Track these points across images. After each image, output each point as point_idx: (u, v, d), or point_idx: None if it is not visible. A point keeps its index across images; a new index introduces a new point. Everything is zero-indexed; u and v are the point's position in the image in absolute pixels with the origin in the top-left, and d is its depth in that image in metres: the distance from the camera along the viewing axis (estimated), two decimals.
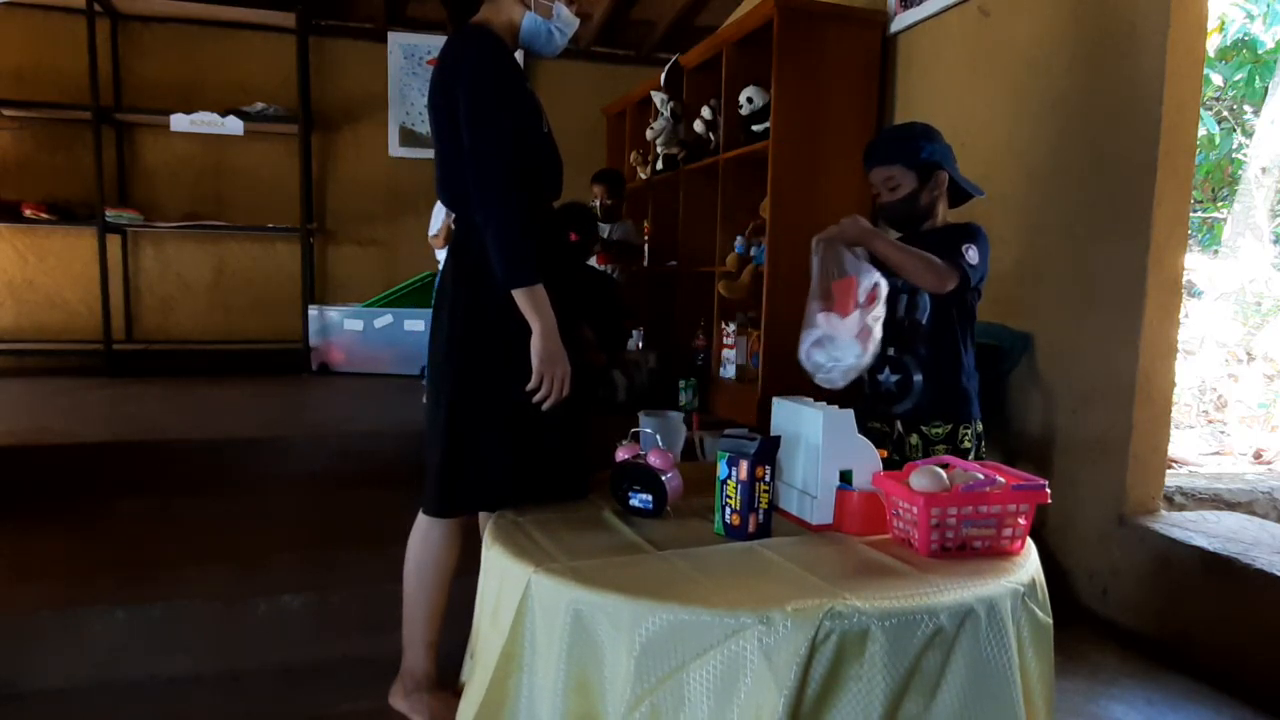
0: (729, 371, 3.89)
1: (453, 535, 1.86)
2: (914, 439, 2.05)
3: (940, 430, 2.02)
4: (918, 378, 2.05)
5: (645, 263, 4.64)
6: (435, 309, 1.86)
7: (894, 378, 2.09)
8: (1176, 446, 3.11)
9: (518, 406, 1.73)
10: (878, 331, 1.82)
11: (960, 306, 2.04)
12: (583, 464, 1.84)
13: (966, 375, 2.06)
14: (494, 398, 1.76)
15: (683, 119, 4.35)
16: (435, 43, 5.51)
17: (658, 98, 4.40)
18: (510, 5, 1.78)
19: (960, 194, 2.14)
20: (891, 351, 2.10)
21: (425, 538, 1.86)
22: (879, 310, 1.84)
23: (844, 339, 1.83)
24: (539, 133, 1.79)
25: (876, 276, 1.83)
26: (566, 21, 1.83)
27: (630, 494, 1.61)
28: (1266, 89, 4.63)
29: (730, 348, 3.89)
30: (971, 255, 1.97)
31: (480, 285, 1.74)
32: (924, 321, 2.04)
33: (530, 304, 1.68)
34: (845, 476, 1.56)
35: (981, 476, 1.50)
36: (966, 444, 2.02)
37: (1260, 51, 4.77)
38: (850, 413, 1.58)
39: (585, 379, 1.94)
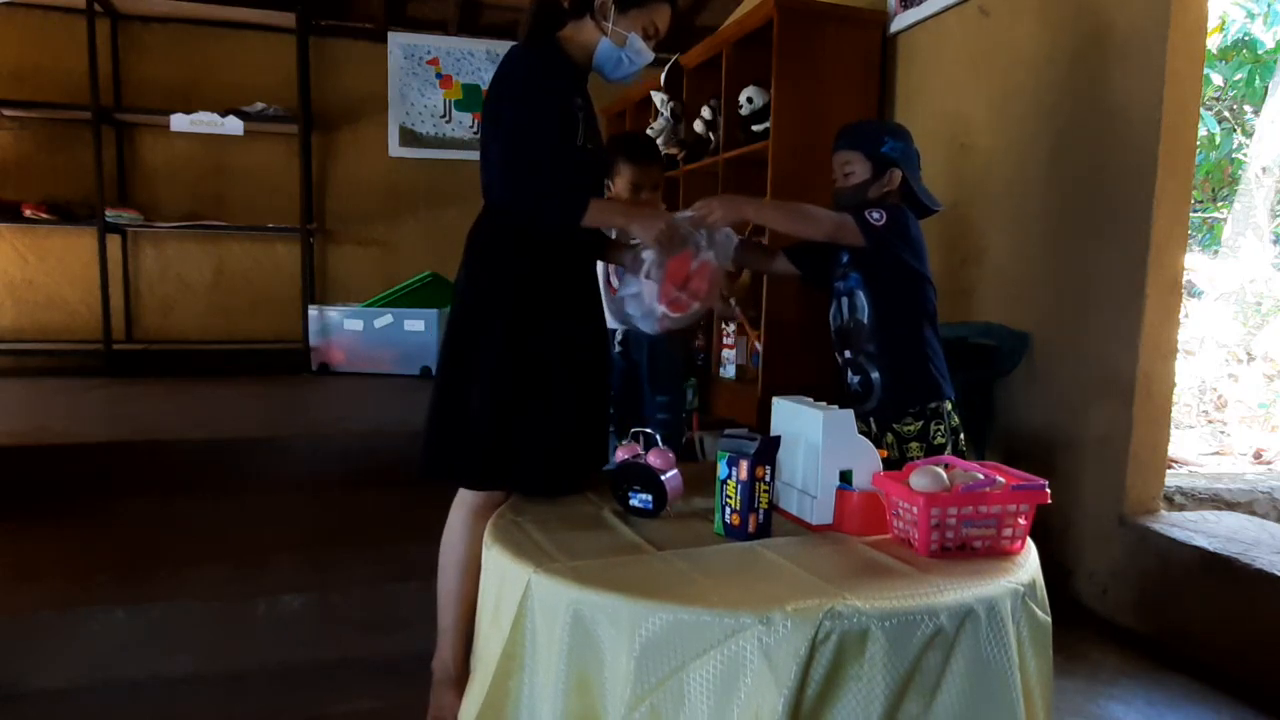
0: (729, 371, 3.89)
1: (465, 521, 1.88)
2: (888, 438, 2.06)
3: (912, 428, 2.03)
4: (875, 375, 2.07)
5: None
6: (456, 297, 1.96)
7: (855, 378, 2.12)
8: (1176, 446, 3.11)
9: (506, 383, 1.79)
10: (695, 307, 1.96)
11: (902, 294, 2.05)
12: (587, 452, 1.88)
13: (928, 361, 2.06)
14: (480, 373, 1.80)
15: (683, 119, 4.35)
16: (435, 43, 5.51)
17: (658, 98, 4.40)
18: (590, 29, 1.90)
19: (922, 208, 2.15)
20: (847, 354, 2.14)
21: (449, 520, 1.92)
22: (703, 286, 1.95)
23: (649, 307, 1.98)
24: (571, 145, 1.86)
25: (706, 256, 1.96)
26: (638, 51, 1.95)
27: (630, 494, 1.61)
28: (1266, 89, 4.63)
29: (730, 348, 3.89)
30: (874, 216, 1.97)
31: (480, 266, 1.85)
32: (865, 320, 2.06)
33: (599, 222, 1.84)
34: (845, 476, 1.56)
35: (981, 476, 1.50)
36: (940, 440, 2.03)
37: (1260, 51, 4.77)
38: (850, 413, 1.58)
39: (605, 363, 2.01)
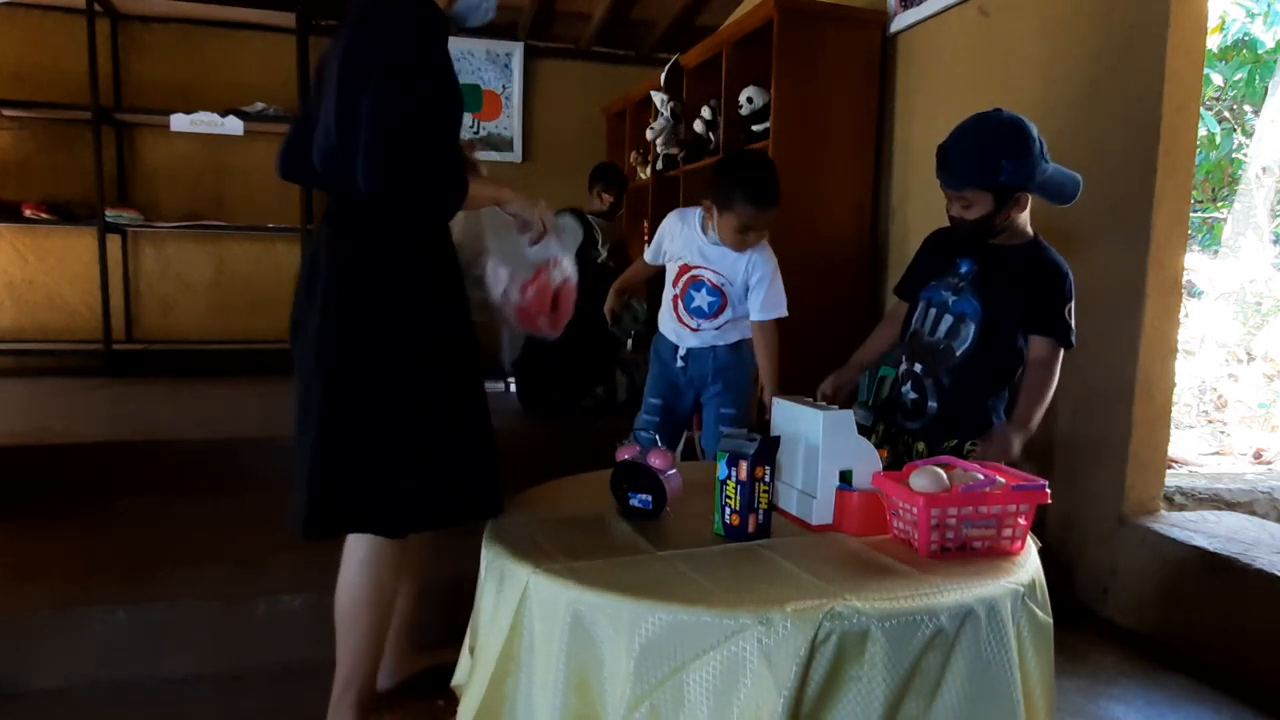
0: None
1: (386, 570, 1.74)
2: (920, 446, 2.04)
3: (949, 444, 1.98)
4: (932, 404, 2.01)
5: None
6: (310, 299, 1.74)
7: (912, 395, 2.05)
8: (1176, 446, 3.11)
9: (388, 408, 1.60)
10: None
11: (1013, 346, 1.94)
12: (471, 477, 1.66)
13: (990, 413, 1.98)
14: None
15: (683, 119, 4.35)
16: None
17: (658, 98, 4.40)
18: None
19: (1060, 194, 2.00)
20: (918, 368, 2.04)
21: (371, 574, 1.73)
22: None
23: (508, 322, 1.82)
24: (460, 118, 1.68)
25: (566, 274, 1.80)
26: None
27: (630, 494, 1.61)
28: (1266, 89, 4.63)
29: None
30: (1071, 317, 1.89)
31: (359, 272, 1.63)
32: (958, 353, 1.97)
33: (479, 204, 1.66)
34: (845, 477, 1.56)
35: (981, 477, 1.50)
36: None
37: (1260, 51, 4.77)
38: (850, 413, 1.58)
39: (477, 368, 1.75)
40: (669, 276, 2.57)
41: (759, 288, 2.45)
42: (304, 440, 1.68)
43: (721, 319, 2.50)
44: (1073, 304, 1.93)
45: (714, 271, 2.45)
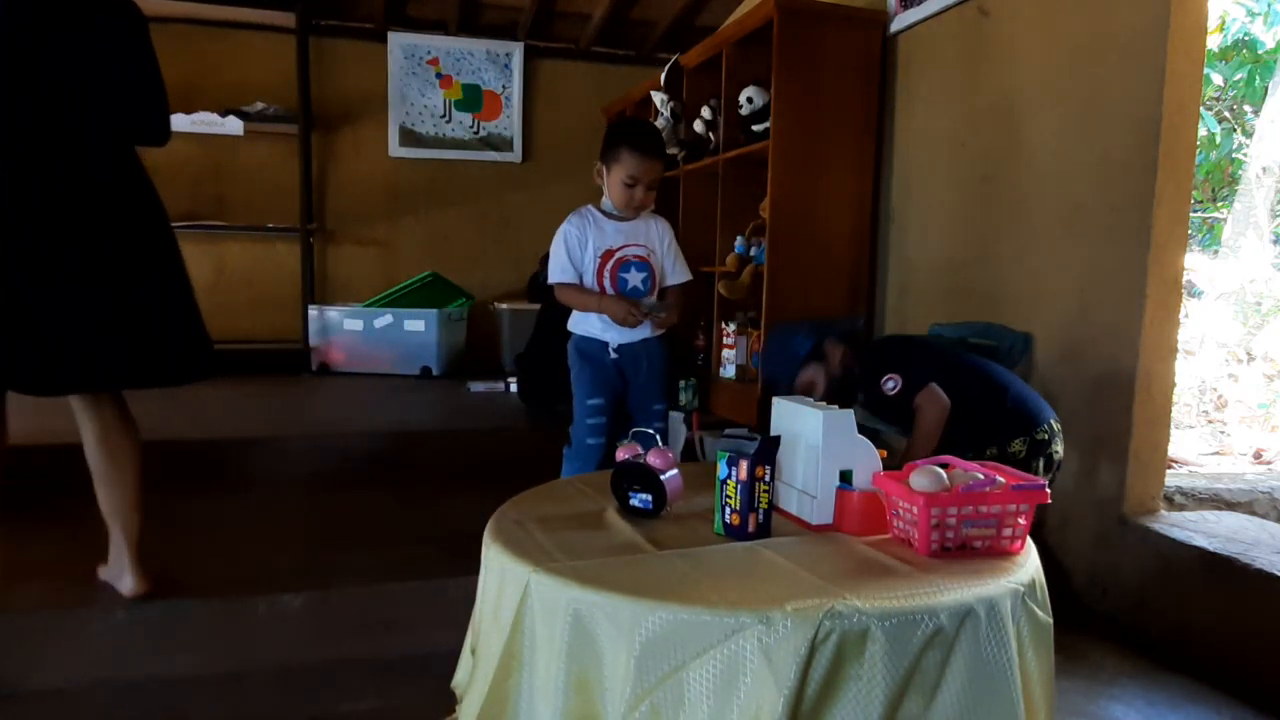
0: (729, 371, 3.90)
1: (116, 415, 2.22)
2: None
3: (991, 452, 2.13)
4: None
5: None
6: None
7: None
8: (1176, 446, 3.11)
9: None
10: None
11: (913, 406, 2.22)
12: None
13: (977, 424, 2.21)
14: None
15: (683, 119, 4.35)
16: (435, 43, 5.51)
17: (658, 98, 4.40)
18: None
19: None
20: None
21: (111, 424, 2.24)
22: None
23: None
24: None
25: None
26: None
27: (630, 494, 1.61)
28: (1266, 89, 4.63)
29: (730, 348, 3.89)
30: (889, 386, 2.23)
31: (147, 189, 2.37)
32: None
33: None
34: (845, 476, 1.56)
35: (981, 476, 1.50)
36: (1016, 447, 2.20)
37: (1260, 51, 4.77)
38: (850, 413, 1.58)
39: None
40: (588, 275, 2.55)
41: (670, 251, 2.62)
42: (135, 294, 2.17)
43: (655, 295, 2.60)
44: (893, 376, 2.30)
45: (638, 245, 2.55)
